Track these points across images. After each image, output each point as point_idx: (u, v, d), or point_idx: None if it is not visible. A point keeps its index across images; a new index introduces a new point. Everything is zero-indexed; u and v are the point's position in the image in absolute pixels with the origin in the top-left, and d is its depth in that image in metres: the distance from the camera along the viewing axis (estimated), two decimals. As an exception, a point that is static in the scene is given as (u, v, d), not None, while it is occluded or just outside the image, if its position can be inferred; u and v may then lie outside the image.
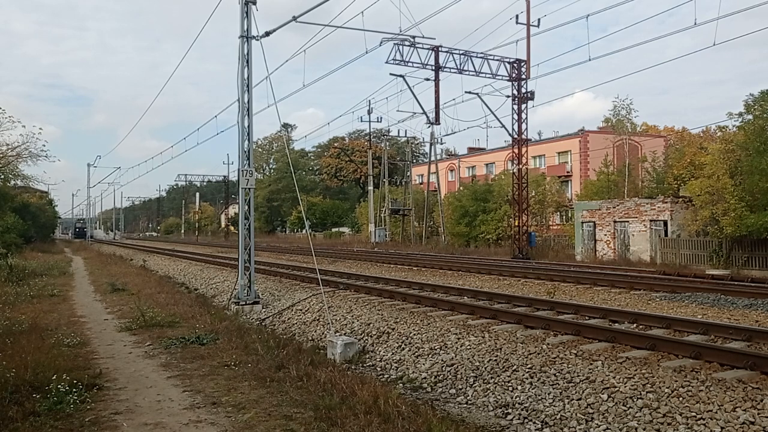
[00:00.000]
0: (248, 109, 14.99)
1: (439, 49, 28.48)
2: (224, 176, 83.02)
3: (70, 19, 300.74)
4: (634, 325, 9.96)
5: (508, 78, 30.76)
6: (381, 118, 52.90)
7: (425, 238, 49.32)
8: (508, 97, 31.63)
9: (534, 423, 6.65)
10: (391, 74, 30.46)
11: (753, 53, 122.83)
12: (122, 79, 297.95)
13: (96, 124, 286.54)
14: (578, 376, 7.27)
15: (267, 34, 15.32)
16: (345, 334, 10.90)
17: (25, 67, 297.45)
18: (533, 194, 39.69)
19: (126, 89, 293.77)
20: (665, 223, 27.58)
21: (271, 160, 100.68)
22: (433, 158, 51.18)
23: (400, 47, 27.53)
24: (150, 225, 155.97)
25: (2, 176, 40.21)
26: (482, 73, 29.83)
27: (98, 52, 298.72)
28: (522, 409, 6.98)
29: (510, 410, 7.03)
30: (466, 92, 32.70)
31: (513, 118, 31.56)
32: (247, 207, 14.93)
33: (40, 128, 56.20)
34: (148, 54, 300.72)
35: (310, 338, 11.56)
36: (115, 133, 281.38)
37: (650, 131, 59.25)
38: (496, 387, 7.64)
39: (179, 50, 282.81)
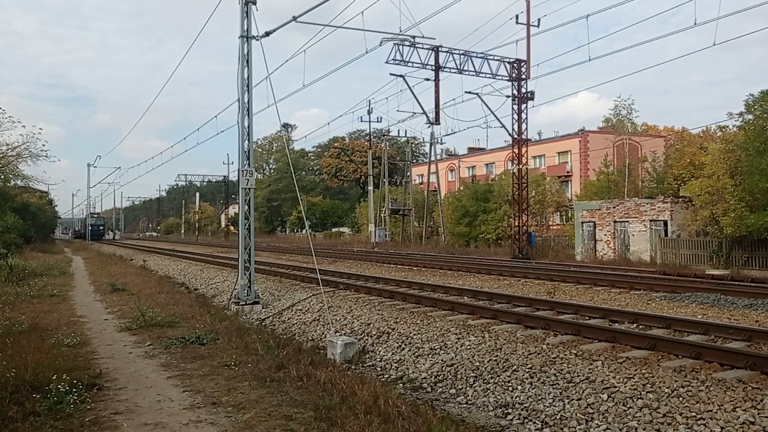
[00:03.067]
0: (248, 109, 14.99)
1: (439, 49, 28.48)
2: (224, 176, 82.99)
3: (73, 18, 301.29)
4: (634, 325, 9.95)
5: (508, 78, 30.76)
6: (381, 118, 52.99)
7: (425, 238, 49.31)
8: (508, 97, 31.65)
9: (534, 423, 6.65)
10: (391, 74, 30.48)
11: (757, 53, 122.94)
12: (125, 79, 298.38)
13: (99, 124, 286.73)
14: (578, 376, 7.27)
15: (267, 34, 15.32)
16: (345, 334, 10.90)
17: (28, 67, 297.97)
18: (533, 194, 39.68)
19: (129, 89, 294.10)
20: (665, 223, 27.58)
21: (271, 160, 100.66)
22: (433, 158, 51.19)
23: (400, 47, 27.54)
24: (150, 225, 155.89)
25: (2, 176, 40.25)
26: (482, 73, 29.83)
27: (101, 52, 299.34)
28: (522, 409, 6.98)
29: (510, 410, 7.03)
30: (466, 92, 32.74)
31: (513, 118, 31.58)
32: (247, 207, 14.93)
33: (41, 128, 56.31)
34: (151, 54, 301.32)
35: (310, 338, 11.56)
36: (118, 133, 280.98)
37: (650, 131, 59.25)
38: (496, 387, 7.64)
39: (182, 50, 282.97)
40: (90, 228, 70.31)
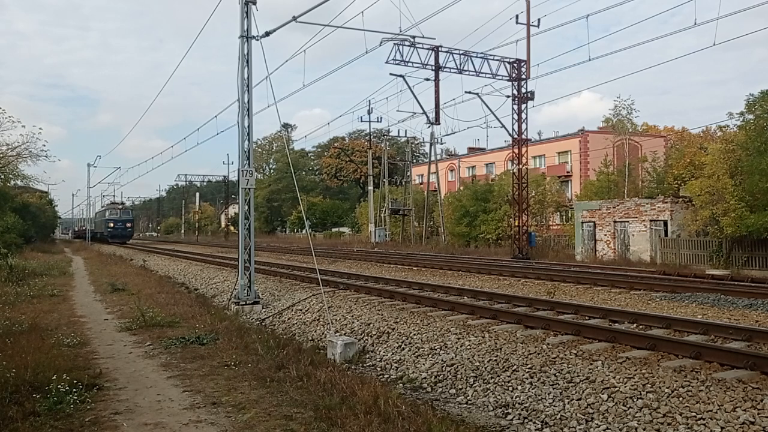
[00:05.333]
0: (248, 109, 14.99)
1: (439, 49, 28.48)
2: (224, 176, 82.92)
3: (73, 18, 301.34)
4: (634, 325, 9.95)
5: (508, 78, 30.76)
6: (381, 118, 53.07)
7: (425, 238, 49.30)
8: (508, 97, 31.66)
9: (534, 423, 6.65)
10: (391, 74, 30.50)
11: (757, 53, 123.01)
12: (126, 79, 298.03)
13: (100, 124, 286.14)
14: (578, 376, 7.27)
15: (267, 34, 15.32)
16: (345, 334, 10.90)
17: (28, 67, 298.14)
18: (533, 194, 39.68)
19: (130, 89, 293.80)
20: (665, 223, 27.58)
21: (271, 160, 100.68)
22: (433, 158, 51.19)
23: (400, 47, 27.55)
24: (150, 225, 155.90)
25: (2, 176, 40.22)
26: (482, 73, 29.83)
27: (101, 52, 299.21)
28: (522, 409, 6.97)
29: (510, 410, 7.03)
30: (466, 92, 32.75)
31: (513, 118, 31.58)
32: (247, 207, 14.92)
33: (41, 128, 56.05)
34: (151, 54, 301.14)
35: (310, 338, 11.56)
36: (119, 133, 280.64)
37: (650, 131, 59.25)
38: (496, 387, 7.63)
39: (183, 50, 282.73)
40: (111, 226, 47.81)
